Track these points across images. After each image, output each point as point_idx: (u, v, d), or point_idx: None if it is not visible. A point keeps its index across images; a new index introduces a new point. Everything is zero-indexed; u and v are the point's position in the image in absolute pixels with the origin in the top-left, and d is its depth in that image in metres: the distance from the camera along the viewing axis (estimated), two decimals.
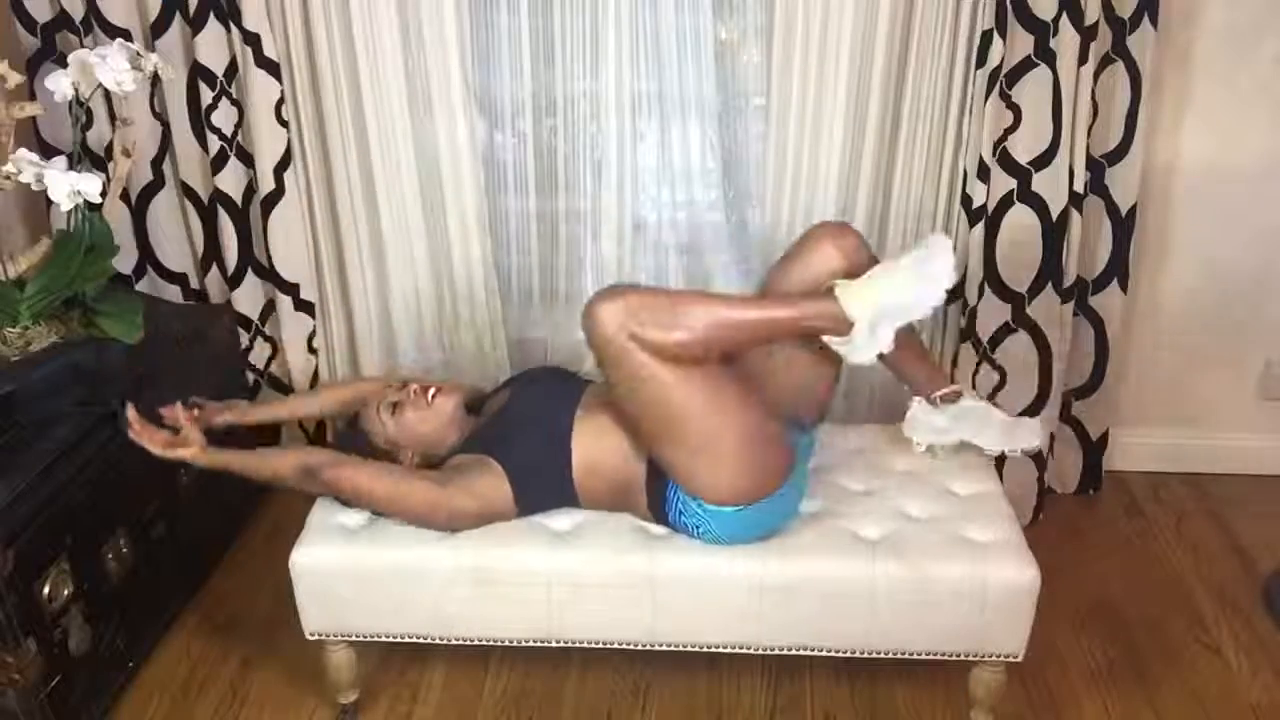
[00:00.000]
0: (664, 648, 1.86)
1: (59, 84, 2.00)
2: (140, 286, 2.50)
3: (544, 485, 1.84)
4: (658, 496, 1.80)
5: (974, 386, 2.41)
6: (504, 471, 1.81)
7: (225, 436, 1.94)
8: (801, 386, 1.89)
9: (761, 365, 1.85)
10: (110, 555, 1.95)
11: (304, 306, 2.51)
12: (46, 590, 1.77)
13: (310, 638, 1.89)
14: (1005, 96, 2.16)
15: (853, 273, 1.77)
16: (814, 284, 1.80)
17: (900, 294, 1.67)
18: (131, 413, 1.84)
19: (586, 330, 1.67)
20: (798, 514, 1.87)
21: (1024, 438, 1.91)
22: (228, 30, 2.24)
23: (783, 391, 1.86)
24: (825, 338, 1.72)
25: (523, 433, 1.85)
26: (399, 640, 1.89)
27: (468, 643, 1.89)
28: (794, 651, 1.84)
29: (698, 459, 1.72)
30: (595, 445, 1.82)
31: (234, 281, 2.48)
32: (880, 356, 1.70)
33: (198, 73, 2.27)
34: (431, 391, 1.90)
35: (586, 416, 1.84)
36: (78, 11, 2.23)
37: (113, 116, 2.28)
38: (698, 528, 1.78)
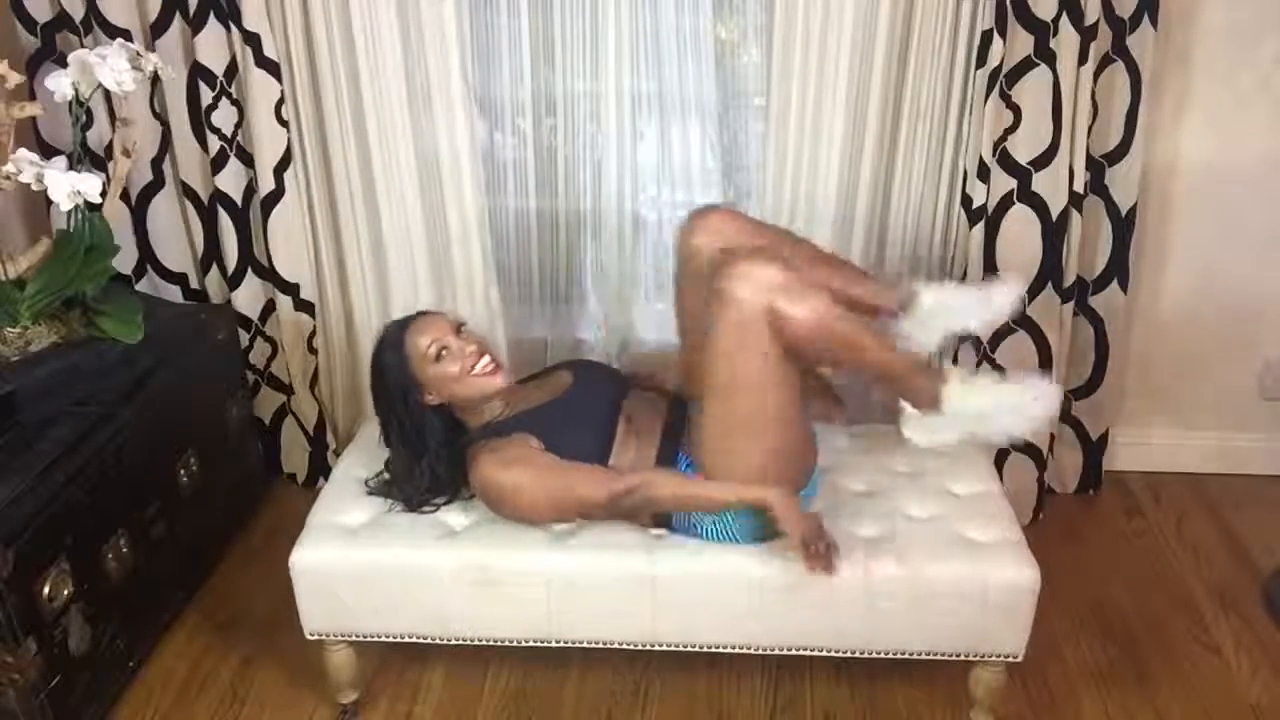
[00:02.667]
0: (664, 648, 1.86)
1: (59, 84, 2.00)
2: (140, 286, 2.50)
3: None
4: None
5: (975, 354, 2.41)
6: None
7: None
8: (820, 392, 1.92)
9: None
10: (110, 555, 1.95)
11: (304, 306, 2.51)
12: (46, 590, 1.77)
13: (310, 638, 1.89)
14: (1005, 96, 2.16)
15: (731, 250, 1.77)
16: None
17: (995, 411, 1.73)
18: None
19: (727, 280, 1.64)
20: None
21: (1002, 297, 1.88)
22: (228, 30, 2.24)
23: (810, 395, 1.87)
24: (904, 404, 1.78)
25: (578, 435, 1.85)
26: (399, 640, 1.90)
27: (468, 643, 1.89)
28: (794, 651, 1.85)
29: (745, 449, 1.73)
30: (623, 458, 1.84)
31: (234, 281, 2.48)
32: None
33: (198, 73, 2.27)
34: (484, 363, 1.84)
35: (621, 430, 1.86)
36: (78, 11, 2.23)
37: (113, 116, 2.28)
38: (713, 524, 1.78)
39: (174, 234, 2.49)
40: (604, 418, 1.88)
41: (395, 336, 1.87)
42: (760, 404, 1.70)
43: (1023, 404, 1.73)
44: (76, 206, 1.95)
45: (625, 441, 1.86)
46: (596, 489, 1.77)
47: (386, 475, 1.97)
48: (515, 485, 1.80)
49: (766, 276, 1.62)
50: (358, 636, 1.90)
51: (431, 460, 1.89)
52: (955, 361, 2.41)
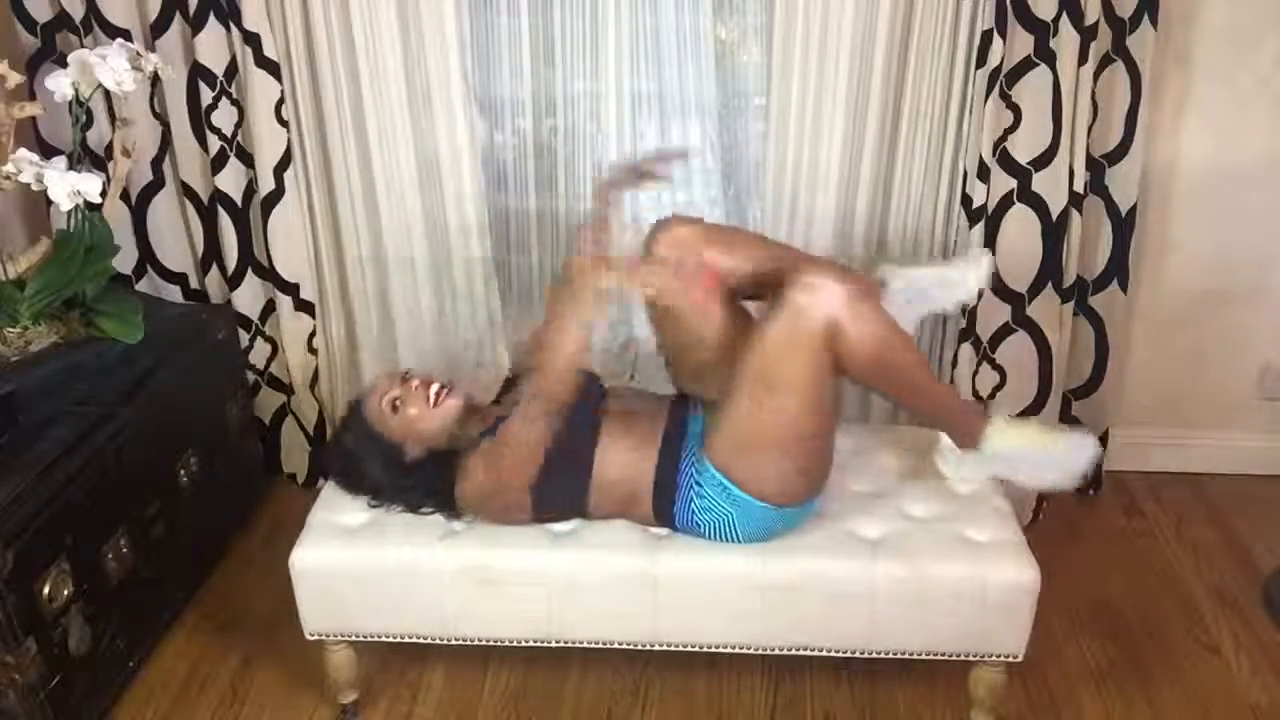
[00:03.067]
0: (664, 648, 1.86)
1: (59, 84, 2.00)
2: (140, 286, 2.50)
3: (562, 494, 1.83)
4: (666, 495, 1.79)
5: (974, 386, 2.41)
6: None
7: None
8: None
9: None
10: (110, 555, 1.95)
11: (304, 306, 2.51)
12: (46, 590, 1.77)
13: (310, 638, 1.89)
14: (1005, 96, 2.16)
15: (693, 261, 1.81)
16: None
17: (1031, 458, 1.76)
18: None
19: (797, 288, 1.64)
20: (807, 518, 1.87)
21: (971, 276, 1.89)
22: (228, 30, 2.24)
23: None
24: (943, 436, 1.81)
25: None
26: (399, 640, 1.89)
27: (468, 643, 1.89)
28: (794, 651, 1.85)
29: (769, 447, 1.72)
30: (612, 457, 1.82)
31: (234, 281, 2.48)
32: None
33: (198, 73, 2.27)
34: (435, 390, 1.85)
35: (607, 428, 1.84)
36: (78, 11, 2.23)
37: (113, 116, 2.28)
38: (711, 522, 1.77)
39: (174, 234, 2.49)
40: (581, 415, 1.86)
41: (352, 419, 1.89)
42: (797, 409, 1.70)
43: (1061, 454, 1.76)
44: (76, 206, 1.95)
45: (616, 438, 1.84)
46: (524, 411, 1.74)
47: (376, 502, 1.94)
48: (478, 476, 1.79)
49: (836, 291, 1.63)
50: (358, 636, 1.90)
51: (422, 504, 1.89)
52: (955, 363, 2.42)
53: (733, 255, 1.86)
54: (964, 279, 1.91)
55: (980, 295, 2.18)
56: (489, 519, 1.85)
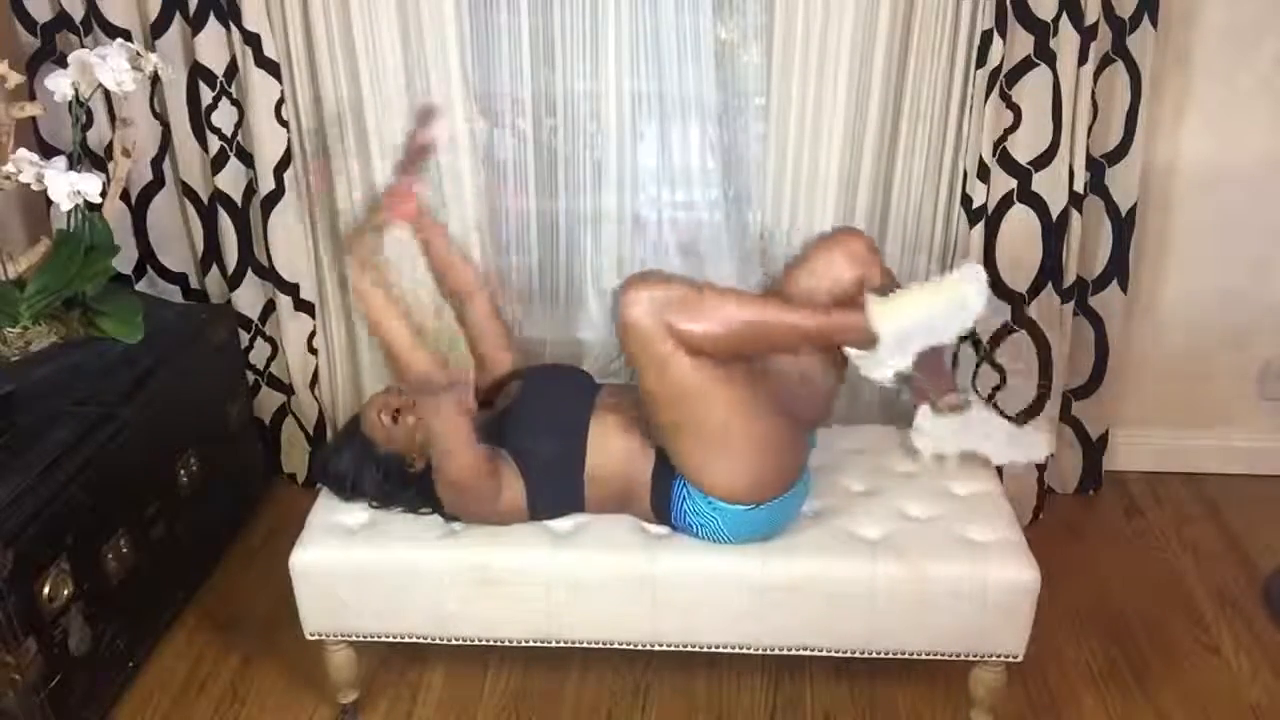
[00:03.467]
0: (664, 648, 1.86)
1: (59, 84, 2.00)
2: (140, 286, 2.50)
3: (556, 490, 1.84)
4: (663, 495, 1.79)
5: (974, 387, 2.41)
6: (520, 471, 1.81)
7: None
8: (810, 389, 1.90)
9: (776, 366, 1.84)
10: (110, 555, 1.95)
11: (304, 306, 2.51)
12: (46, 590, 1.77)
13: (310, 638, 1.89)
14: (1005, 96, 2.16)
15: (862, 279, 1.79)
16: (824, 293, 1.81)
17: (929, 317, 1.69)
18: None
19: (618, 315, 1.65)
20: (800, 514, 1.87)
21: (1032, 447, 1.88)
22: (228, 30, 2.24)
23: (795, 394, 1.86)
24: (848, 350, 1.74)
25: (541, 435, 1.84)
26: (399, 640, 1.89)
27: (468, 643, 1.89)
28: (794, 651, 1.85)
29: (716, 454, 1.72)
30: (606, 449, 1.82)
31: (234, 281, 2.48)
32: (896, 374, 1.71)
33: (198, 73, 2.27)
34: None
35: (599, 420, 1.84)
36: (78, 11, 2.23)
37: (113, 116, 2.28)
38: (702, 526, 1.78)
39: (174, 234, 2.49)
40: (566, 418, 1.85)
41: (350, 437, 1.91)
42: (709, 408, 1.69)
43: (954, 295, 1.68)
44: (76, 206, 1.95)
45: (612, 432, 1.83)
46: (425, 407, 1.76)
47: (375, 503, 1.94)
48: (442, 490, 1.82)
49: (655, 296, 1.62)
50: (358, 636, 1.90)
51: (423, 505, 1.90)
52: (955, 363, 2.41)
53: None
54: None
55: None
56: (483, 521, 1.85)
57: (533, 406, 1.89)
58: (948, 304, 1.69)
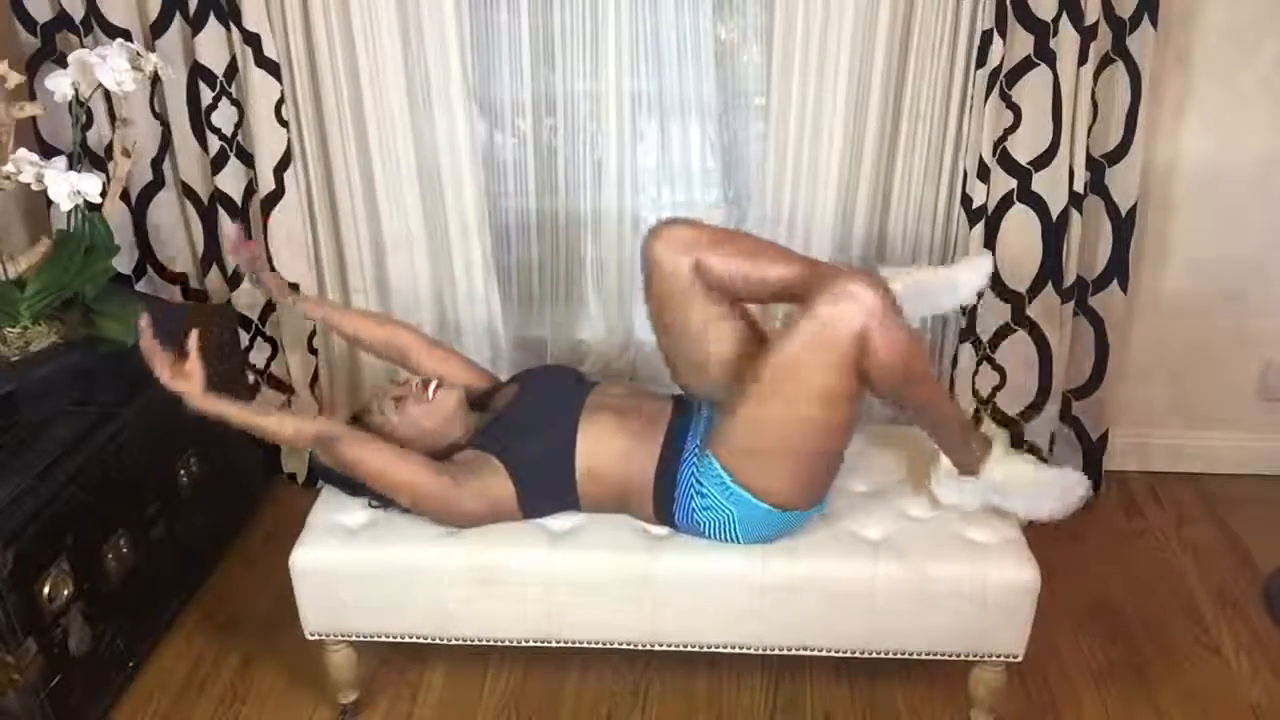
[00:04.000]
0: (664, 648, 1.86)
1: (59, 84, 2.00)
2: (140, 286, 2.50)
3: (548, 488, 1.83)
4: (667, 492, 1.79)
5: (974, 386, 2.41)
6: (508, 473, 1.81)
7: (222, 393, 1.89)
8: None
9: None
10: (110, 555, 1.95)
11: None
12: (46, 590, 1.77)
13: (310, 638, 1.89)
14: (1005, 96, 2.16)
15: (697, 263, 1.80)
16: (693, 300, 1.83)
17: (1024, 494, 1.77)
18: (145, 321, 1.78)
19: (829, 297, 1.62)
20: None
21: (970, 277, 1.87)
22: (228, 30, 2.24)
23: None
24: (944, 456, 1.81)
25: (528, 434, 1.84)
26: (399, 640, 1.89)
27: (468, 643, 1.89)
28: (794, 651, 1.85)
29: (787, 453, 1.72)
30: (599, 448, 1.81)
31: (234, 281, 2.48)
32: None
33: (198, 73, 2.27)
34: (433, 386, 1.87)
35: (591, 419, 1.84)
36: (78, 11, 2.23)
37: (113, 116, 2.28)
38: (713, 522, 1.77)
39: (174, 234, 2.49)
40: (557, 417, 1.85)
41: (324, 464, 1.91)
42: (821, 419, 1.69)
43: (1054, 489, 1.77)
44: (76, 206, 1.95)
45: (606, 431, 1.83)
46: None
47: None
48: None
49: (869, 301, 1.60)
50: (358, 636, 1.90)
51: None
52: (955, 364, 2.42)
53: (730, 258, 1.82)
54: (964, 280, 1.89)
55: (981, 295, 2.17)
56: (474, 524, 1.84)
57: (522, 408, 1.90)
58: (1049, 496, 1.77)
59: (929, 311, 1.92)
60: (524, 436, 1.84)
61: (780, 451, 1.72)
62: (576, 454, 1.81)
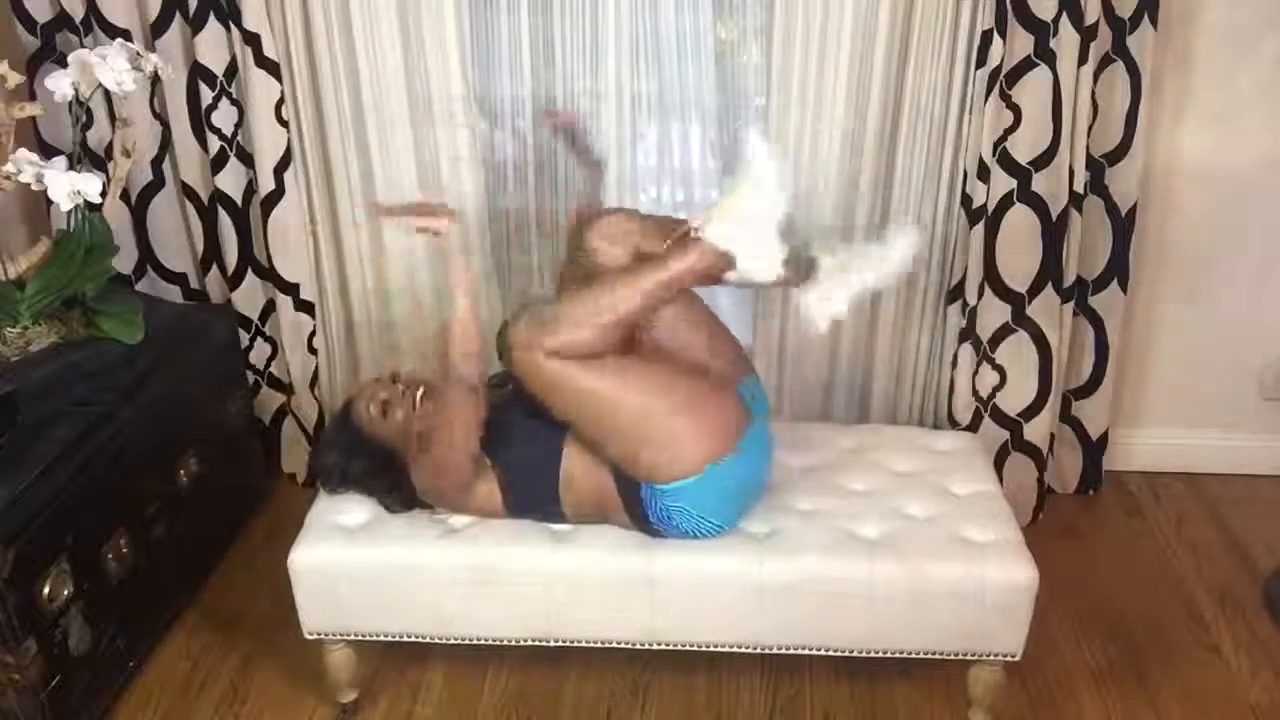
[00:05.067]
0: (664, 648, 1.87)
1: (59, 84, 2.00)
2: (140, 286, 2.50)
3: (532, 498, 1.83)
4: (634, 504, 1.78)
5: (974, 386, 2.41)
6: (496, 477, 1.82)
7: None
8: (709, 341, 1.90)
9: (668, 337, 1.85)
10: (110, 555, 1.95)
11: (304, 306, 2.51)
12: (46, 590, 1.77)
13: (310, 637, 1.89)
14: (1005, 96, 2.16)
15: (636, 250, 1.82)
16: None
17: (752, 206, 1.69)
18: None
19: (508, 361, 1.73)
20: (767, 471, 1.86)
21: (898, 249, 1.78)
22: (228, 30, 2.24)
23: (699, 352, 1.86)
24: (726, 276, 1.74)
25: (520, 441, 1.84)
26: (399, 640, 1.90)
27: (468, 643, 1.89)
28: (794, 651, 1.85)
29: (645, 442, 1.72)
30: (581, 462, 1.80)
31: (234, 281, 2.48)
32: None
33: (198, 73, 2.27)
34: (420, 393, 1.86)
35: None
36: (78, 11, 2.23)
37: (113, 116, 2.28)
38: (682, 519, 1.76)
39: (174, 234, 2.49)
40: (547, 426, 1.83)
41: (342, 426, 1.92)
42: (618, 403, 1.71)
43: (756, 188, 1.70)
44: (76, 206, 1.95)
45: (585, 447, 1.82)
46: (449, 388, 1.78)
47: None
48: (421, 462, 1.82)
49: (522, 337, 1.68)
50: (357, 636, 1.90)
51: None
52: (955, 363, 2.41)
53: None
54: (890, 251, 1.79)
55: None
56: (455, 509, 1.86)
57: (515, 414, 1.87)
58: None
59: (863, 286, 1.77)
60: (514, 444, 1.83)
61: (644, 442, 1.72)
62: (562, 463, 1.81)
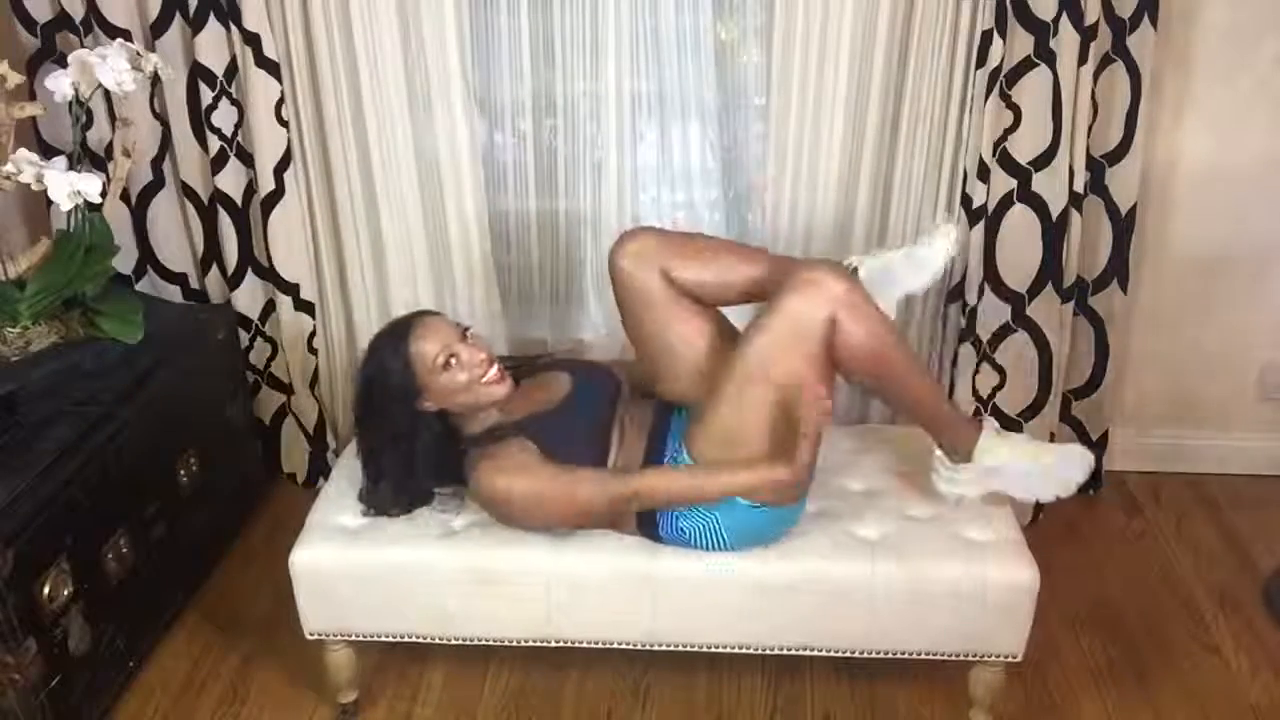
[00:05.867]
0: (664, 648, 1.87)
1: (59, 84, 2.00)
2: (140, 286, 2.50)
3: None
4: (647, 516, 1.78)
5: (974, 386, 2.41)
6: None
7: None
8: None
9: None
10: (110, 555, 1.95)
11: (304, 306, 2.51)
12: (46, 590, 1.77)
13: (310, 637, 1.89)
14: (1005, 96, 2.16)
15: (670, 261, 1.80)
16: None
17: (1025, 476, 1.75)
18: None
19: (793, 289, 1.65)
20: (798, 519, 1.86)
21: (934, 254, 1.80)
22: (228, 30, 2.24)
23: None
24: (937, 451, 1.79)
25: (576, 446, 1.81)
26: (399, 640, 1.90)
27: (468, 643, 1.89)
28: (794, 651, 1.85)
29: (764, 445, 1.70)
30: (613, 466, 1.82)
31: (234, 281, 2.48)
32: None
33: (198, 73, 2.27)
34: (494, 373, 1.79)
35: (616, 437, 1.85)
36: (78, 11, 2.23)
37: (113, 116, 2.28)
38: (700, 529, 1.76)
39: (174, 234, 2.49)
40: (601, 426, 1.86)
41: (396, 343, 1.79)
42: (768, 390, 1.67)
43: (1054, 467, 1.75)
44: (76, 206, 1.95)
45: (618, 446, 1.85)
46: (597, 493, 1.73)
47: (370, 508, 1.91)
48: (514, 493, 1.75)
49: (835, 289, 1.63)
50: (357, 636, 1.90)
51: (418, 473, 1.85)
52: (955, 363, 2.41)
53: (697, 264, 1.82)
54: (930, 254, 1.83)
55: (982, 293, 2.17)
56: (495, 518, 1.84)
57: (577, 413, 1.86)
58: (1046, 470, 1.75)
59: (902, 293, 1.86)
60: (567, 443, 1.80)
61: (762, 444, 1.70)
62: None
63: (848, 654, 1.84)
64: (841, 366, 1.67)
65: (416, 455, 1.83)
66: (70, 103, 2.03)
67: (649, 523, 1.79)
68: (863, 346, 1.65)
